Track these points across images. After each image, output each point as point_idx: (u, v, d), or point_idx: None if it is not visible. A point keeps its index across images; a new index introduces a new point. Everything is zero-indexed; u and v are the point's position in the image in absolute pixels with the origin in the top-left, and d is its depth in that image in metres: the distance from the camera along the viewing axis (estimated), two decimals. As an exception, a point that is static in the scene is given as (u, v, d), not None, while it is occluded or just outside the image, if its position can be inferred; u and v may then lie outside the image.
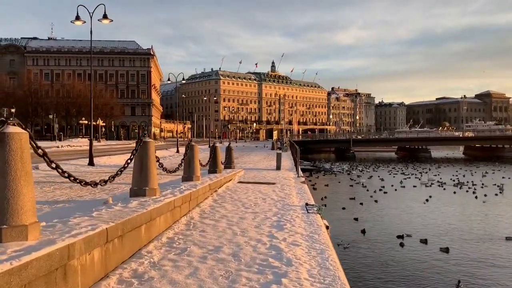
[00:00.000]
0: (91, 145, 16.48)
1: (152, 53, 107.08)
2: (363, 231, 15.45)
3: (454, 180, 33.46)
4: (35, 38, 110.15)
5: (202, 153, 27.15)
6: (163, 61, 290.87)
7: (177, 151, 29.91)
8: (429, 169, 46.21)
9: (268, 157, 28.14)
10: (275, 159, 20.44)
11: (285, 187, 11.87)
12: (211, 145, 13.35)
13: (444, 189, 29.62)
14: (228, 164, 16.42)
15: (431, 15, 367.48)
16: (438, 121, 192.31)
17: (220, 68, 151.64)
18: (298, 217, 7.43)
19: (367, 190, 28.64)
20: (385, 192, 27.53)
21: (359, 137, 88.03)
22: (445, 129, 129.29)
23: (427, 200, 23.17)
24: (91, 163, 15.82)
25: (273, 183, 12.70)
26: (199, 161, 10.70)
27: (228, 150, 16.43)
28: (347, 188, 30.83)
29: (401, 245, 13.90)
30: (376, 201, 23.00)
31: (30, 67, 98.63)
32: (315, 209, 8.33)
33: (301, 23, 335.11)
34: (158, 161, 7.47)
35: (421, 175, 39.27)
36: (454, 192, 27.01)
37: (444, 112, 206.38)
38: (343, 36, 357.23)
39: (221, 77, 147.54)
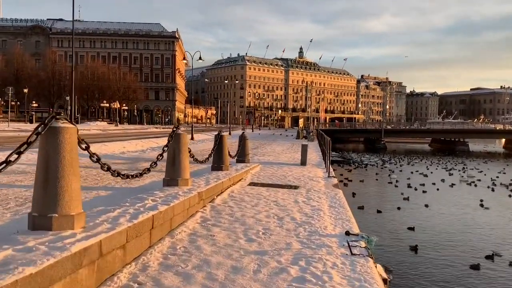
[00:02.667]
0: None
1: (177, 36, 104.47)
2: (415, 248, 11.96)
3: (499, 180, 29.32)
4: (60, 20, 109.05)
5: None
6: (192, 47, 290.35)
7: (192, 138, 27.01)
8: (464, 164, 41.92)
9: (292, 148, 24.90)
10: (299, 150, 17.23)
11: (313, 194, 8.63)
12: (216, 133, 10.22)
13: (493, 190, 25.59)
14: (241, 157, 13.31)
15: (468, 2, 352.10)
16: (472, 112, 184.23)
17: (246, 54, 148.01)
18: (336, 265, 4.22)
19: (396, 186, 25.17)
20: (424, 191, 23.82)
21: (389, 127, 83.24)
22: (480, 121, 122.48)
23: (481, 205, 19.43)
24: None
25: (296, 187, 9.49)
26: (192, 155, 7.62)
27: (242, 140, 13.30)
28: (383, 185, 27.14)
29: (476, 268, 10.30)
30: (427, 205, 19.04)
31: (55, 48, 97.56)
32: (362, 242, 5.11)
33: (332, 10, 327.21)
34: (97, 160, 4.37)
35: (464, 171, 35.24)
36: (510, 196, 23.03)
37: (479, 104, 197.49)
38: (374, 23, 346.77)
39: (248, 63, 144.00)
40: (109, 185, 7.96)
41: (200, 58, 27.87)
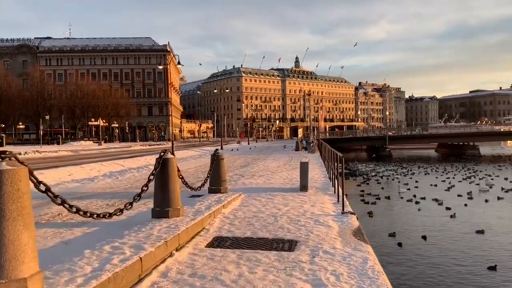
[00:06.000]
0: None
1: (168, 50, 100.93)
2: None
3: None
4: (48, 38, 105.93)
5: (199, 159, 20.07)
6: (191, 62, 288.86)
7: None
8: (476, 170, 38.06)
9: (290, 163, 20.88)
10: (298, 165, 13.24)
11: (322, 267, 4.57)
12: (159, 154, 6.20)
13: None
14: (215, 184, 9.34)
15: (465, 6, 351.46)
16: (473, 115, 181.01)
17: (242, 65, 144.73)
18: None
19: (410, 201, 21.04)
20: (452, 216, 18.81)
21: (390, 133, 79.15)
22: (483, 123, 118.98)
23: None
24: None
25: (291, 245, 5.43)
26: (83, 212, 3.60)
27: (215, 160, 9.29)
28: (404, 202, 22.67)
29: None
30: (481, 231, 14.65)
31: (43, 67, 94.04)
32: None
33: (330, 19, 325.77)
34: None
35: (483, 179, 31.25)
36: None
37: (479, 106, 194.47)
38: (372, 31, 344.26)
39: (243, 74, 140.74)
40: None
41: (179, 63, 24.09)
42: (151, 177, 5.79)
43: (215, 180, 9.35)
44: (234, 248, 5.25)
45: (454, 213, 18.08)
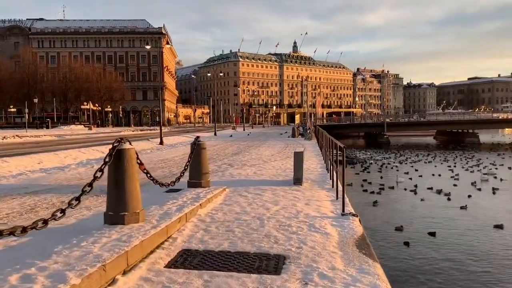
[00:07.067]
0: None
1: (164, 32, 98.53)
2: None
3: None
4: (41, 19, 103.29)
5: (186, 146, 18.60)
6: (188, 47, 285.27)
7: (161, 143, 21.70)
8: (479, 158, 37.08)
9: (285, 151, 19.63)
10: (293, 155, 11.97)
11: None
12: (112, 145, 4.91)
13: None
14: (196, 177, 8.10)
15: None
16: (471, 102, 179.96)
17: (239, 50, 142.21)
18: None
19: (413, 192, 19.78)
20: (462, 207, 16.67)
21: (388, 120, 77.81)
22: (482, 110, 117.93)
23: None
24: None
25: (278, 263, 4.17)
26: None
27: (196, 149, 8.02)
28: (409, 195, 21.17)
29: None
30: (499, 226, 13.41)
31: (35, 49, 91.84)
32: None
33: (329, 5, 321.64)
34: None
35: (485, 167, 30.16)
36: None
37: (477, 93, 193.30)
38: (371, 17, 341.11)
39: (240, 59, 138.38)
40: None
41: (167, 43, 22.63)
42: (98, 173, 4.52)
43: (195, 173, 8.09)
44: (203, 268, 4.00)
45: (466, 205, 16.94)
